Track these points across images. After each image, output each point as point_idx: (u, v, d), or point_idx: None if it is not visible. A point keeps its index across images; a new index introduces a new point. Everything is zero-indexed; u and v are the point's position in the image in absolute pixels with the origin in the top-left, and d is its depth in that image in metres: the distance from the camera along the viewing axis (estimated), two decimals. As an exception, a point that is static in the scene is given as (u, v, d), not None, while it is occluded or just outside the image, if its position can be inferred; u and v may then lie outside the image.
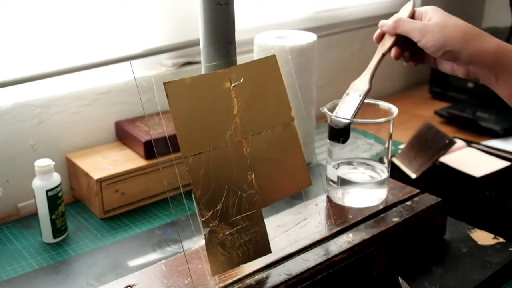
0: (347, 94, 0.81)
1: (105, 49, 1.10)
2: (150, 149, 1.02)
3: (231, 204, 0.68)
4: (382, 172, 0.87)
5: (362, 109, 0.87)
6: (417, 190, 0.90)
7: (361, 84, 0.80)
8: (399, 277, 0.77)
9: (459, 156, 1.18)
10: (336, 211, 0.84)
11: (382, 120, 0.84)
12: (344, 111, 0.78)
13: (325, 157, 0.90)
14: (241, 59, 0.73)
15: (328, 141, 0.88)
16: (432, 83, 1.59)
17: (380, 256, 0.80)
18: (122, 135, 1.10)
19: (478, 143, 1.26)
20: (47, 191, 0.89)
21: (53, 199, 0.90)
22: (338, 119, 0.78)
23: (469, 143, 1.25)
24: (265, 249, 0.71)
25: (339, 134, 0.79)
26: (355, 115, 0.78)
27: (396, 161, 1.17)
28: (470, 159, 1.17)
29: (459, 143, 1.23)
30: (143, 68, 1.15)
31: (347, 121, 0.78)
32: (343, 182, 0.85)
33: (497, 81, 0.71)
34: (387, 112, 0.86)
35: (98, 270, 0.83)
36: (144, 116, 1.12)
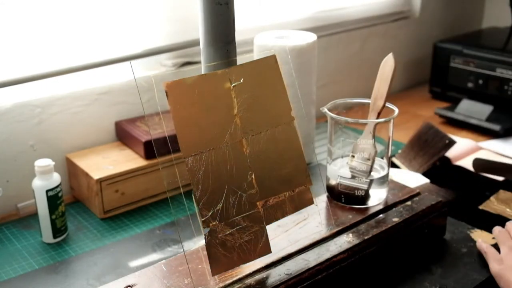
0: (353, 156, 0.85)
1: (105, 49, 1.10)
2: (150, 149, 1.02)
3: (231, 204, 0.68)
4: (382, 171, 0.87)
5: (362, 109, 0.88)
6: (417, 190, 0.90)
7: (367, 146, 0.84)
8: None
9: (470, 161, 1.17)
10: (336, 211, 0.84)
11: (382, 120, 0.84)
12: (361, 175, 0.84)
13: (325, 157, 0.90)
14: (241, 59, 0.73)
15: (328, 141, 0.88)
16: (432, 83, 1.59)
17: (380, 256, 0.80)
18: (122, 135, 1.10)
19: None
20: (47, 191, 0.89)
21: (53, 199, 0.90)
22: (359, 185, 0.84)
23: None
24: (265, 249, 0.71)
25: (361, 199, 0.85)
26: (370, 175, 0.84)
27: (396, 161, 1.17)
28: None
29: (471, 144, 1.23)
30: (143, 68, 1.15)
31: (366, 187, 0.84)
32: (343, 182, 0.85)
33: None
34: (387, 112, 0.86)
35: (98, 270, 0.83)
36: (144, 116, 1.12)
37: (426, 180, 1.07)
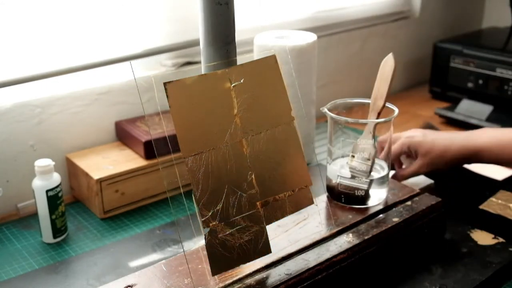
0: (353, 156, 0.85)
1: (105, 49, 1.10)
2: (150, 149, 1.02)
3: (231, 204, 0.68)
4: (382, 171, 0.87)
5: (362, 109, 0.88)
6: (417, 190, 0.90)
7: (367, 146, 0.84)
8: None
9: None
10: (336, 211, 0.84)
11: (382, 120, 0.84)
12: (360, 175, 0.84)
13: (325, 157, 0.90)
14: (241, 59, 0.73)
15: (328, 141, 0.88)
16: (432, 83, 1.59)
17: (380, 256, 0.80)
18: (122, 135, 1.10)
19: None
20: (47, 191, 0.89)
21: (53, 199, 0.90)
22: (358, 185, 0.84)
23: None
24: (265, 249, 0.71)
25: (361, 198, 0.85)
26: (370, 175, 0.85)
27: (396, 161, 1.17)
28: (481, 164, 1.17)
29: None
30: (143, 68, 1.15)
31: (366, 187, 0.84)
32: (343, 182, 0.85)
33: None
34: (387, 112, 0.86)
35: (98, 270, 0.83)
36: (144, 116, 1.12)
37: (429, 181, 1.07)
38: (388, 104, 0.86)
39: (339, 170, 0.86)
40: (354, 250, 0.76)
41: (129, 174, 1.00)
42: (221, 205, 0.68)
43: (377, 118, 0.84)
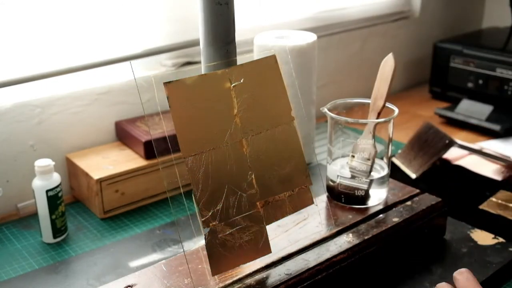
0: (353, 156, 0.84)
1: (105, 49, 1.10)
2: (150, 149, 1.02)
3: (231, 204, 0.68)
4: (382, 171, 0.87)
5: (362, 109, 0.88)
6: (417, 190, 0.90)
7: (367, 146, 0.84)
8: None
9: (470, 161, 1.17)
10: (336, 211, 0.84)
11: (382, 120, 0.84)
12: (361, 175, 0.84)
13: (325, 157, 0.90)
14: (241, 59, 0.73)
15: (328, 141, 0.88)
16: (432, 83, 1.59)
17: (380, 256, 0.80)
18: (122, 135, 1.10)
19: (480, 151, 1.24)
20: (47, 191, 0.89)
21: (53, 199, 0.90)
22: (358, 185, 0.84)
23: (471, 151, 1.22)
24: (265, 249, 0.71)
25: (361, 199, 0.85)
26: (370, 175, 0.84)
27: (396, 161, 1.17)
28: (481, 164, 1.17)
29: (460, 151, 1.23)
30: (143, 68, 1.15)
31: (366, 187, 0.84)
32: (343, 182, 0.85)
33: None
34: (387, 112, 0.86)
35: (98, 270, 0.83)
36: (144, 116, 1.12)
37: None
38: (388, 104, 0.85)
39: (339, 170, 0.86)
40: (354, 250, 0.76)
41: (129, 174, 1.00)
42: (221, 205, 0.68)
43: (377, 118, 0.84)
